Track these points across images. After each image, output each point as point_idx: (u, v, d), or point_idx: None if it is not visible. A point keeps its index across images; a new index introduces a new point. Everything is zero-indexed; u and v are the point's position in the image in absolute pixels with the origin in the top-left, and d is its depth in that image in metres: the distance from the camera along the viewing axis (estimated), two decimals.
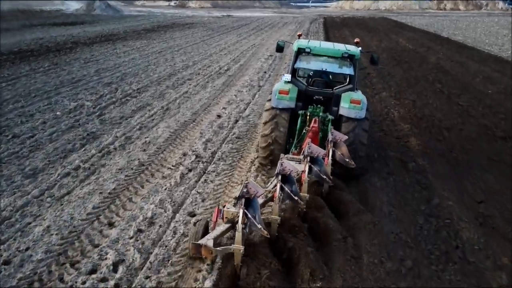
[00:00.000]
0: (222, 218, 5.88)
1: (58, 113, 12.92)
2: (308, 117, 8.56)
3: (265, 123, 8.75)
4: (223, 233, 5.68)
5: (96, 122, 12.16)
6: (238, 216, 5.17)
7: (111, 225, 7.08)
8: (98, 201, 7.82)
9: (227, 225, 5.73)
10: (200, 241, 5.29)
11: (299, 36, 10.59)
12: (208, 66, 21.32)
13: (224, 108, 14.01)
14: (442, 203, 7.82)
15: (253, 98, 15.45)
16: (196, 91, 16.17)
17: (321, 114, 8.57)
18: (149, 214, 7.32)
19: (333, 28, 42.35)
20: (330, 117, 8.53)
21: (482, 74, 19.71)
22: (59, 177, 8.70)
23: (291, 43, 9.63)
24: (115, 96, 15.07)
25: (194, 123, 12.47)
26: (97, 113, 13.00)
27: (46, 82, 16.84)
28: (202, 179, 8.77)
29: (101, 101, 14.32)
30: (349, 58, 8.69)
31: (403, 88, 17.13)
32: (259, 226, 5.00)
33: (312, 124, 8.08)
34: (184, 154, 10.07)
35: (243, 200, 5.18)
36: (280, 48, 10.30)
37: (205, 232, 5.75)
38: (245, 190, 5.15)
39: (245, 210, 5.12)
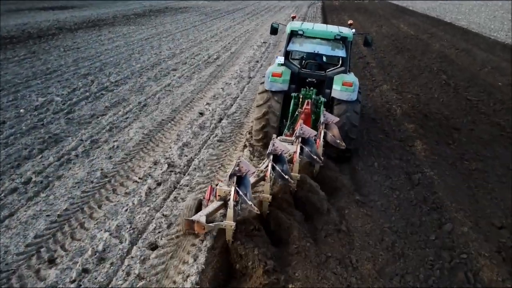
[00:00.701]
0: (215, 196, 5.89)
1: (21, 110, 11.43)
2: (301, 100, 8.41)
3: (258, 106, 8.66)
4: (216, 210, 5.72)
5: (62, 122, 10.68)
6: (230, 194, 5.24)
7: (51, 262, 5.70)
8: (43, 227, 6.45)
9: (220, 203, 5.78)
10: (193, 217, 5.35)
11: (293, 18, 10.22)
12: (197, 54, 19.71)
13: (208, 104, 12.52)
14: (456, 230, 6.45)
15: (242, 92, 13.95)
16: (180, 84, 14.64)
17: (313, 96, 8.43)
18: (100, 247, 5.94)
19: (332, 12, 40.42)
20: (322, 99, 8.42)
21: (490, 63, 18.15)
22: (3, 194, 7.30)
23: (286, 25, 9.18)
24: (89, 89, 13.55)
25: (172, 122, 11.01)
26: (65, 111, 11.51)
27: (17, 74, 15.29)
28: (171, 196, 7.37)
29: (73, 96, 12.82)
30: (342, 40, 8.56)
31: (406, 79, 15.61)
32: (250, 203, 5.07)
33: (304, 106, 7.99)
34: (155, 163, 8.64)
35: (235, 178, 5.20)
36: (274, 30, 10.08)
37: (198, 209, 5.80)
38: (237, 168, 5.16)
39: (237, 188, 5.15)
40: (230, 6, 44.37)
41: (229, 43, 22.76)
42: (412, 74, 16.47)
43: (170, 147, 9.40)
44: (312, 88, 8.54)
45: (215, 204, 5.75)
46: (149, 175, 8.14)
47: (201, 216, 5.33)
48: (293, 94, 8.48)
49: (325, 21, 32.36)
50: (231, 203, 5.19)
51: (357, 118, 8.25)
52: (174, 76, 15.67)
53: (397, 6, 48.66)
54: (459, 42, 23.46)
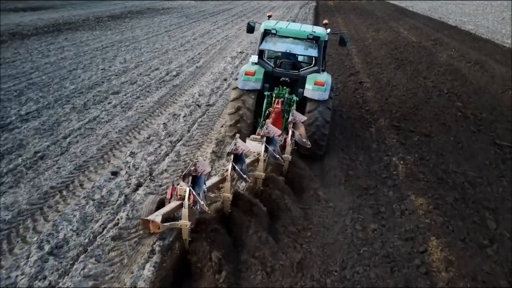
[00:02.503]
0: (177, 196, 5.62)
1: None
2: (274, 99, 8.31)
3: (232, 100, 8.43)
4: (173, 209, 5.55)
5: None
6: (185, 193, 5.22)
7: None
8: None
9: (178, 202, 5.53)
10: (149, 217, 5.28)
11: (269, 17, 9.82)
12: (154, 69, 15.79)
13: (132, 154, 8.65)
14: None
15: (189, 130, 10.08)
16: (110, 117, 10.75)
17: (286, 95, 8.34)
18: None
19: (325, 13, 36.34)
20: (295, 98, 8.33)
21: None
22: None
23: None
24: None
25: (63, 193, 7.15)
26: None
27: None
28: None
29: None
30: (315, 40, 8.49)
31: (410, 109, 11.70)
32: (202, 202, 5.04)
33: (274, 105, 8.03)
34: None
35: (190, 178, 5.15)
36: (251, 29, 9.83)
37: (159, 208, 5.64)
38: (192, 168, 5.09)
39: (191, 188, 5.10)
40: (217, 6, 40.28)
41: (199, 54, 18.82)
42: (418, 99, 12.55)
43: (28, 255, 5.54)
44: (285, 87, 8.42)
45: (173, 203, 5.58)
46: None
47: (157, 216, 5.27)
48: (266, 93, 8.37)
49: (316, 23, 28.38)
50: (185, 202, 5.14)
51: (329, 114, 8.03)
52: (109, 103, 11.78)
53: (396, 6, 44.49)
54: (470, 52, 19.47)
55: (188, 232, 5.24)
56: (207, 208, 5.11)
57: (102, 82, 13.89)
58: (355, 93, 13.04)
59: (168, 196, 5.66)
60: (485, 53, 19.31)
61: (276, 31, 8.45)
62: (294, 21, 29.48)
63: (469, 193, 7.27)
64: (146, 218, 5.30)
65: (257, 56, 8.49)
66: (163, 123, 10.38)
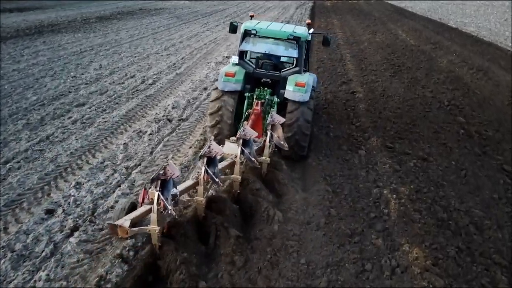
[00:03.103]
0: (149, 199, 5.31)
1: None
2: (254, 100, 8.13)
3: (211, 114, 8.15)
4: (143, 214, 5.27)
5: None
6: (154, 198, 5.03)
7: None
8: None
9: (148, 206, 5.24)
10: (117, 222, 5.03)
11: (251, 17, 9.67)
12: (130, 76, 14.42)
13: (77, 185, 7.27)
14: None
15: (153, 152, 8.72)
16: (67, 135, 9.39)
17: (267, 97, 8.16)
18: None
19: (321, 14, 34.90)
20: (275, 100, 8.15)
21: None
22: None
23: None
24: None
25: None
26: None
27: None
28: None
29: None
30: (295, 40, 8.22)
31: (406, 124, 10.30)
32: (170, 207, 4.86)
33: (254, 107, 7.89)
34: None
35: (159, 181, 4.95)
36: (234, 28, 9.77)
37: (130, 212, 5.36)
38: (162, 172, 4.92)
39: (159, 192, 4.93)
40: (211, 7, 38.83)
41: (182, 58, 17.44)
42: (415, 113, 11.16)
43: None
44: (266, 88, 8.26)
45: (143, 208, 5.31)
46: None
47: (125, 221, 4.98)
48: (246, 94, 8.20)
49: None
50: (154, 207, 4.95)
51: (308, 127, 7.84)
52: (70, 118, 10.41)
53: (394, 7, 42.98)
54: (472, 57, 18.05)
55: (158, 237, 5.04)
56: (174, 213, 4.98)
57: (69, 92, 12.52)
58: (346, 105, 11.64)
59: (140, 200, 5.53)
60: (488, 58, 17.90)
61: (256, 31, 8.25)
62: (288, 23, 28.09)
63: (475, 241, 5.89)
64: (114, 223, 4.99)
65: (237, 57, 8.28)
66: (124, 143, 9.01)
